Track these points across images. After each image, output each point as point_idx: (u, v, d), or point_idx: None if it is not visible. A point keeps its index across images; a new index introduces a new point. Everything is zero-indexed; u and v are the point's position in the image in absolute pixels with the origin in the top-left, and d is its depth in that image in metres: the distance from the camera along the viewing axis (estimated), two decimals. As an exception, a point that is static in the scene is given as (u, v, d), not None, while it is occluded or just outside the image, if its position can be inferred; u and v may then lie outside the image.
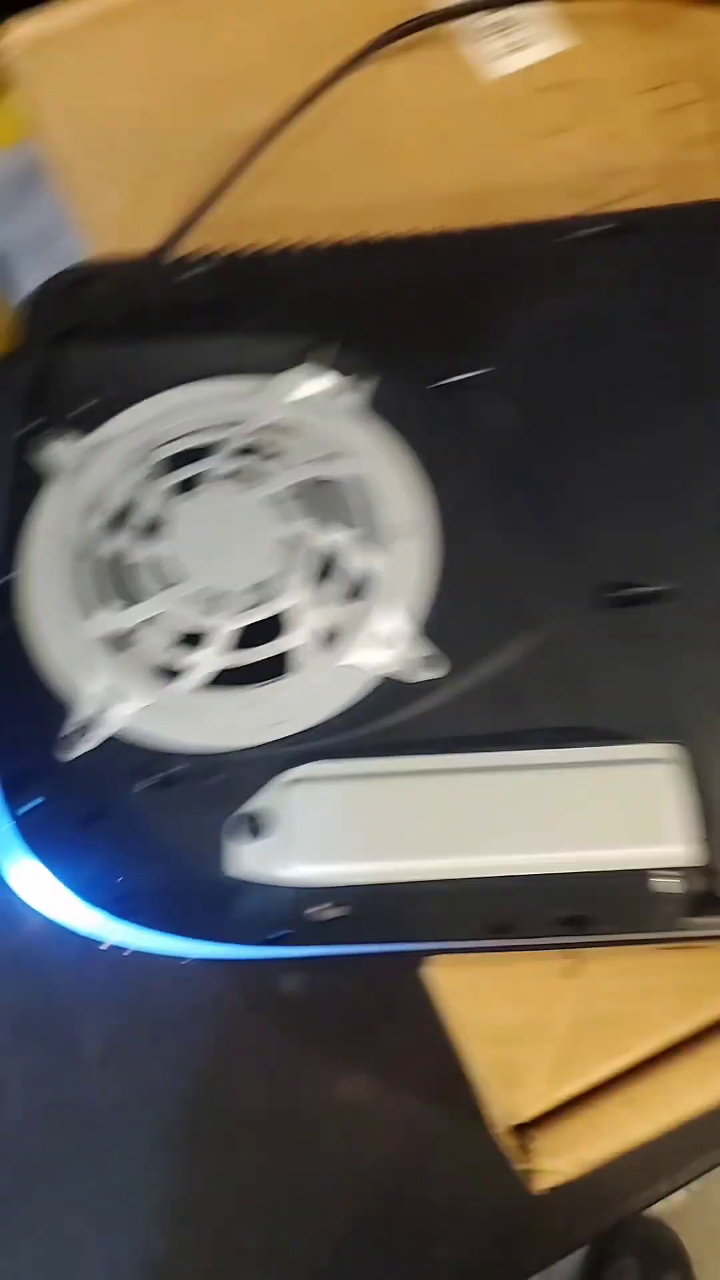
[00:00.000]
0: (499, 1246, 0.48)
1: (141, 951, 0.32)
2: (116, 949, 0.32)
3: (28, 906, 0.53)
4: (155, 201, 0.46)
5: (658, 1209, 0.87)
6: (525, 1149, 0.31)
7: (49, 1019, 0.51)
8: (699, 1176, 0.47)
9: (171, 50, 0.48)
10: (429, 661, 0.31)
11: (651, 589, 0.32)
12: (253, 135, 0.46)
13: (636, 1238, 0.85)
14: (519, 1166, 0.31)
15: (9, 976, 0.52)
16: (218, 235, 0.44)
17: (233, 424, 0.34)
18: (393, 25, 0.46)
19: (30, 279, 0.78)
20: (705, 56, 0.46)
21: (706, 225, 0.38)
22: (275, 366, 0.35)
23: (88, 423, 0.35)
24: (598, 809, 0.29)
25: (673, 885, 0.29)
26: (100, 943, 0.32)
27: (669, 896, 0.29)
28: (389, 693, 0.31)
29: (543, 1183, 0.30)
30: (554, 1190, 0.31)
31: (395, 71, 0.46)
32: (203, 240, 0.44)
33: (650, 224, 0.37)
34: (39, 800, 0.31)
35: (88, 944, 0.51)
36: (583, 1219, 0.48)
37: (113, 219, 0.46)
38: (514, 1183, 0.46)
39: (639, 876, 0.29)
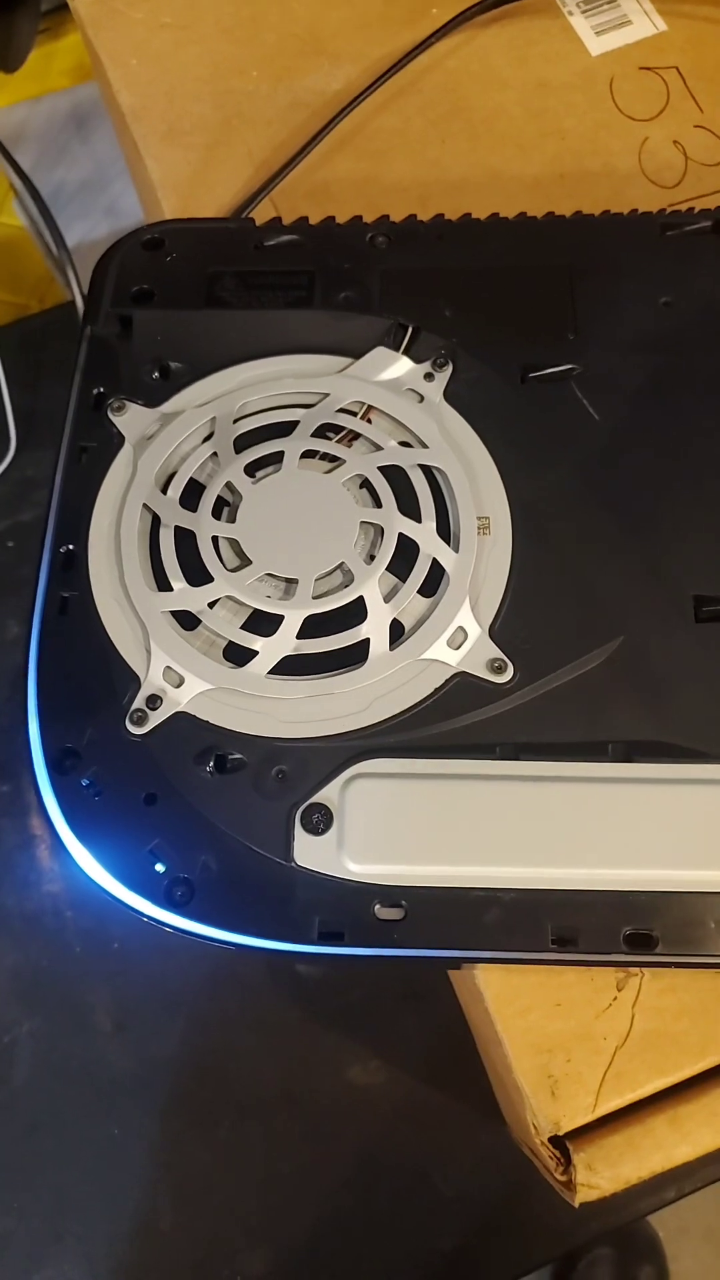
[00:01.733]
0: (502, 1241, 0.48)
1: (179, 931, 0.31)
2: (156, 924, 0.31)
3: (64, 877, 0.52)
4: (226, 162, 0.44)
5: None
6: (564, 1161, 0.30)
7: (63, 984, 0.51)
8: (707, 1185, 0.47)
9: (251, 6, 0.46)
10: (502, 663, 0.31)
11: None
12: (334, 100, 0.44)
13: (614, 1228, 0.85)
14: (557, 1178, 0.31)
15: (25, 939, 0.51)
16: (290, 202, 0.43)
17: (311, 404, 0.33)
18: (485, -6, 0.44)
19: (75, 227, 0.76)
20: None
21: None
22: (357, 346, 0.34)
23: (159, 390, 0.34)
24: (671, 828, 0.28)
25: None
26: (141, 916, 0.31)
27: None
28: (460, 693, 0.30)
29: (580, 1197, 0.30)
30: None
31: (486, 41, 0.45)
32: (273, 207, 0.43)
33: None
34: (90, 778, 0.30)
35: (104, 912, 0.51)
36: (588, 1219, 0.48)
37: (179, 176, 0.44)
38: (520, 1179, 0.47)
39: (710, 899, 0.28)
